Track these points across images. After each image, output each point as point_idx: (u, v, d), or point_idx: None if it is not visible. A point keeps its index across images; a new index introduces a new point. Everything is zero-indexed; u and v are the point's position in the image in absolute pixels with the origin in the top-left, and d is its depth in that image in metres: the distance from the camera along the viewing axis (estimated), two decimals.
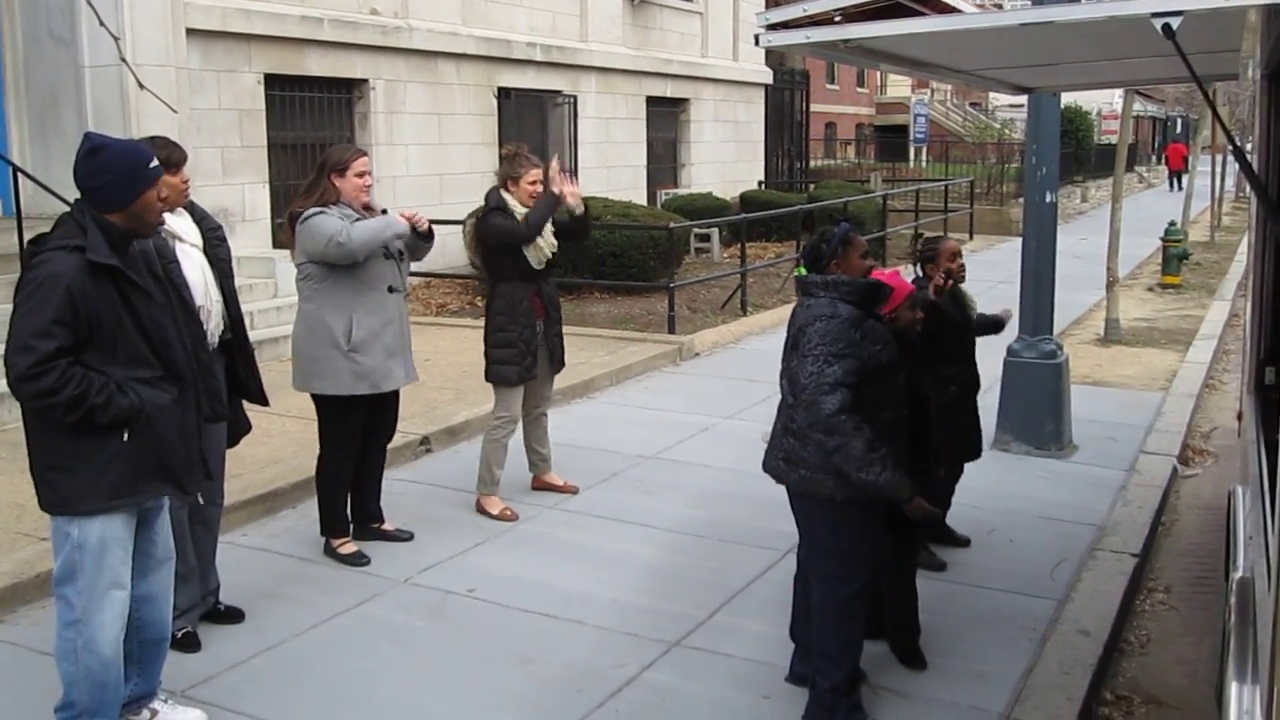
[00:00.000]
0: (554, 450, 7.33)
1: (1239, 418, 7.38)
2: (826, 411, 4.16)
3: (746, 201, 18.95)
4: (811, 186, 22.59)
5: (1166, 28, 2.35)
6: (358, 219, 5.80)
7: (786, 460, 4.44)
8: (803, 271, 4.62)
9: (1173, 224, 16.80)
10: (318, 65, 12.84)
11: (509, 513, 6.76)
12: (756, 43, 2.52)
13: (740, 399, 9.67)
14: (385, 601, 5.61)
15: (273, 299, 11.16)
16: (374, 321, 5.87)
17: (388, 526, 6.39)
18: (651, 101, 19.28)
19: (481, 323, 7.02)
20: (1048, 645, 5.24)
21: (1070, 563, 6.19)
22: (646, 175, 19.17)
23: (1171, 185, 41.88)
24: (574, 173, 17.29)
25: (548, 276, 6.81)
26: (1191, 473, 8.27)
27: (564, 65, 16.85)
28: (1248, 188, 28.10)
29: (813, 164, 28.97)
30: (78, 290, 3.75)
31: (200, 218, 5.02)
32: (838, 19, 2.48)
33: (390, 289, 5.95)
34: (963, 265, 6.10)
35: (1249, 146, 7.41)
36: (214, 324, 4.83)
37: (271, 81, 12.21)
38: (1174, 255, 16.63)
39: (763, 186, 22.44)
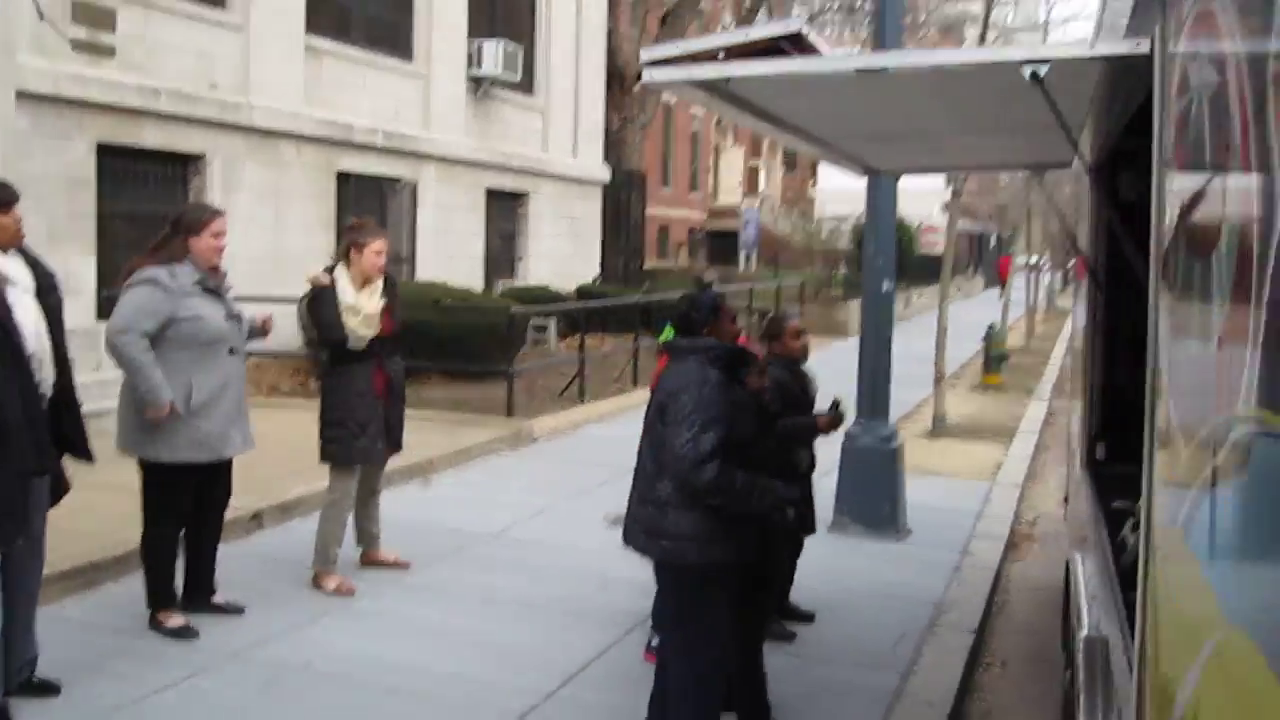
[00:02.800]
0: (392, 529, 7.14)
1: (1065, 500, 7.66)
2: (706, 479, 4.15)
3: (584, 295, 19.05)
4: (646, 283, 22.87)
5: (1034, 75, 2.45)
6: (190, 290, 5.57)
7: (647, 533, 4.40)
8: (670, 334, 4.64)
9: (992, 326, 17.53)
10: (154, 137, 12.50)
11: (345, 587, 6.53)
12: (637, 79, 2.54)
13: (579, 482, 9.60)
14: (214, 675, 5.32)
15: (95, 372, 10.65)
16: (213, 384, 5.64)
17: (219, 599, 6.09)
18: (491, 194, 19.33)
19: (314, 403, 6.82)
20: (893, 716, 5.28)
21: (910, 638, 6.27)
22: (484, 265, 19.14)
23: (1001, 293, 44.26)
24: (413, 259, 17.18)
25: (390, 354, 6.66)
26: (1020, 557, 8.52)
27: (405, 152, 16.79)
28: (1058, 298, 29.65)
29: (647, 264, 29.36)
30: None
31: (32, 262, 4.79)
32: (721, 56, 2.51)
33: (231, 350, 5.75)
34: (806, 345, 6.20)
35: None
36: (45, 373, 4.58)
37: (104, 151, 11.82)
38: (995, 356, 17.33)
39: (597, 283, 22.62)
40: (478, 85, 18.78)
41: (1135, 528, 4.23)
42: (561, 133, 21.66)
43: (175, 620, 5.76)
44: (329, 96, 15.37)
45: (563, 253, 21.76)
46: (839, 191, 62.11)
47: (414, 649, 5.75)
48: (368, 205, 16.22)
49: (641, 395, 14.14)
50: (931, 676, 5.80)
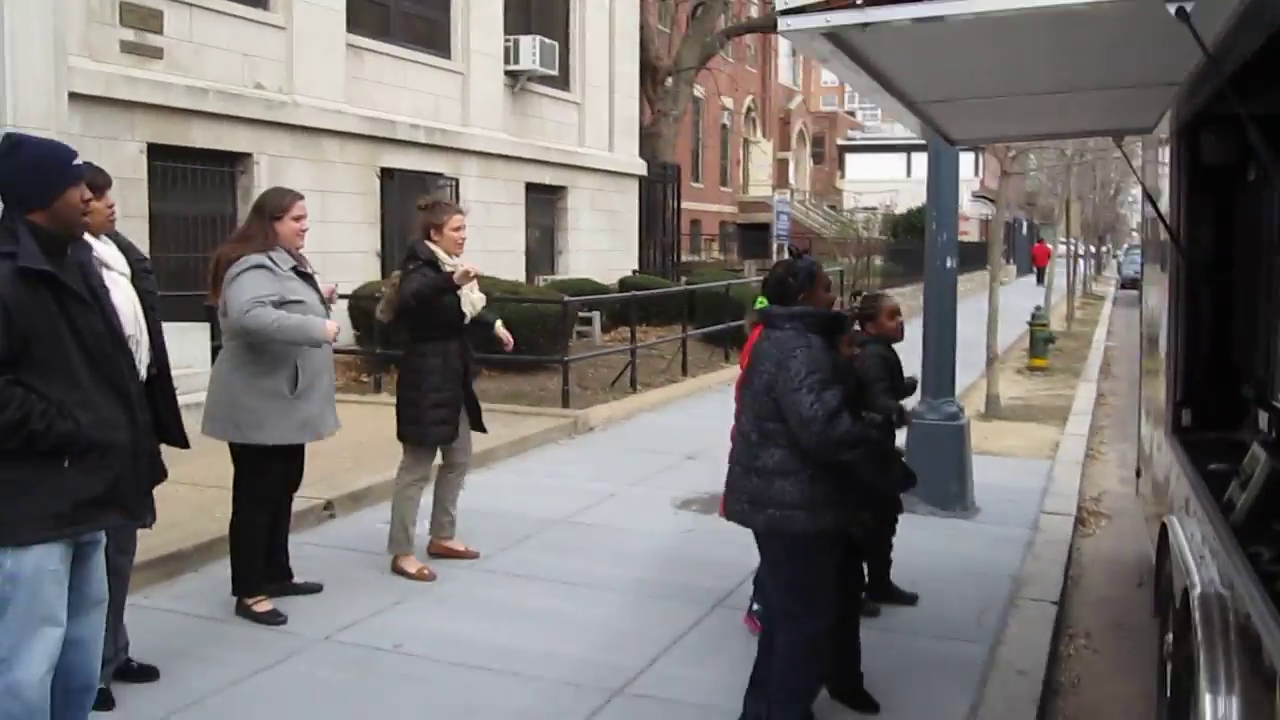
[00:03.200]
0: (461, 516, 7.12)
1: (1137, 473, 7.60)
2: (842, 430, 4.14)
3: (626, 285, 19.04)
4: (683, 278, 22.84)
5: (1181, 10, 2.42)
6: (289, 275, 5.63)
7: (752, 502, 4.38)
8: (763, 303, 4.62)
9: (1039, 308, 17.43)
10: (202, 137, 12.57)
11: (427, 572, 6.55)
12: (774, 29, 2.52)
13: (641, 468, 9.60)
14: (308, 659, 5.34)
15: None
16: (315, 366, 5.71)
17: (297, 580, 6.12)
18: (530, 188, 19.35)
19: (367, 398, 6.82)
20: (989, 686, 5.25)
21: (994, 611, 6.24)
22: (525, 259, 19.16)
23: (1039, 280, 44.65)
24: None
25: (468, 334, 6.71)
26: (1089, 532, 8.46)
27: (446, 148, 16.83)
28: (1093, 283, 29.31)
29: (681, 258, 29.35)
30: (11, 301, 3.51)
31: (126, 247, 4.83)
32: (859, 2, 2.49)
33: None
34: (901, 324, 6.17)
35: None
36: (142, 355, 4.61)
37: (155, 151, 11.89)
38: (1041, 339, 17.23)
39: (636, 275, 22.63)
40: (515, 80, 18.82)
41: (1243, 486, 4.20)
42: (598, 127, 21.66)
43: (265, 605, 5.79)
44: (370, 94, 15.42)
45: (601, 246, 21.76)
46: (867, 183, 62.26)
47: (502, 630, 5.75)
48: (411, 201, 16.21)
49: (692, 384, 14.26)
50: (1019, 647, 5.76)
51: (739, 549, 6.89)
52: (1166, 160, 5.82)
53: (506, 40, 18.43)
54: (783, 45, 50.16)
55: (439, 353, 6.50)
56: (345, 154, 14.82)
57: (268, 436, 5.62)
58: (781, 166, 51.10)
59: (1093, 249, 49.65)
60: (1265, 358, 5.08)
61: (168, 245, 12.11)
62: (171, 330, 10.37)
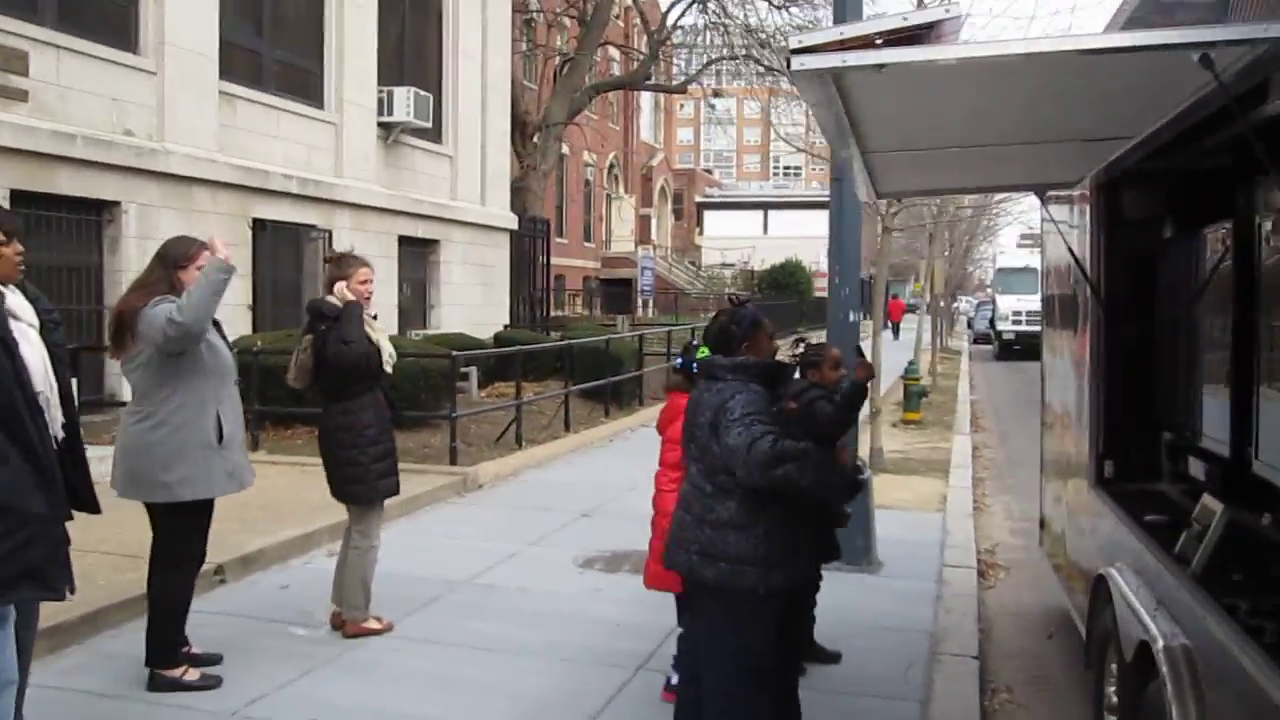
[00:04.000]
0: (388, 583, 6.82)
1: (1041, 524, 7.69)
2: (765, 447, 3.99)
3: (501, 340, 18.81)
4: (555, 333, 22.70)
5: (1205, 58, 2.40)
6: None
7: (702, 554, 4.23)
8: (705, 352, 4.50)
9: (912, 364, 17.75)
10: (69, 184, 12.01)
11: (388, 622, 6.51)
12: (788, 66, 2.42)
13: (537, 527, 9.37)
14: None
15: None
16: (233, 414, 5.47)
17: (195, 650, 5.74)
18: (403, 241, 19.03)
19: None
20: None
21: (918, 667, 6.20)
22: (398, 314, 18.79)
23: (894, 335, 46.08)
24: None
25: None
26: (989, 584, 8.52)
27: (319, 199, 16.44)
28: (949, 338, 30.09)
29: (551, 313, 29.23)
30: None
31: (34, 298, 4.49)
32: (878, 42, 2.41)
33: (236, 381, 5.59)
34: (843, 375, 6.11)
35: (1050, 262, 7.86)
36: (54, 413, 4.26)
37: (18, 198, 11.30)
38: (914, 393, 17.52)
39: (508, 329, 22.41)
40: (388, 132, 18.54)
41: (1198, 538, 4.21)
42: (470, 180, 21.47)
43: (193, 673, 5.45)
44: (243, 143, 15.00)
45: (473, 300, 21.49)
46: (725, 239, 63.22)
47: (423, 702, 5.47)
48: (283, 253, 15.85)
49: (575, 440, 14.06)
50: (949, 704, 5.72)
51: (650, 609, 6.83)
52: (1081, 216, 5.91)
53: (380, 91, 18.16)
54: (645, 101, 50.74)
55: (369, 405, 6.33)
56: (217, 204, 14.35)
57: (198, 490, 5.34)
58: (644, 222, 51.51)
59: (945, 305, 51.33)
60: (1192, 407, 5.16)
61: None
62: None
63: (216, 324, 5.55)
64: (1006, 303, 35.42)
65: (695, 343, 6.23)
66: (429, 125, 19.25)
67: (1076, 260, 5.83)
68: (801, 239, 60.47)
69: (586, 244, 44.58)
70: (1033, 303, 34.54)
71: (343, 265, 6.44)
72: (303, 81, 16.74)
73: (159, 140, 13.32)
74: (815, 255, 51.41)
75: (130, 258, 12.92)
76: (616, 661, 6.14)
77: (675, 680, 5.55)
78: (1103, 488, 5.74)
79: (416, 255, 19.83)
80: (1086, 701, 5.99)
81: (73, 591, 3.61)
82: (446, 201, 20.54)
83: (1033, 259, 36.84)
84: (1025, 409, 17.87)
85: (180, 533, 5.47)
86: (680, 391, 5.74)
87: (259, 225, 15.17)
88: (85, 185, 12.31)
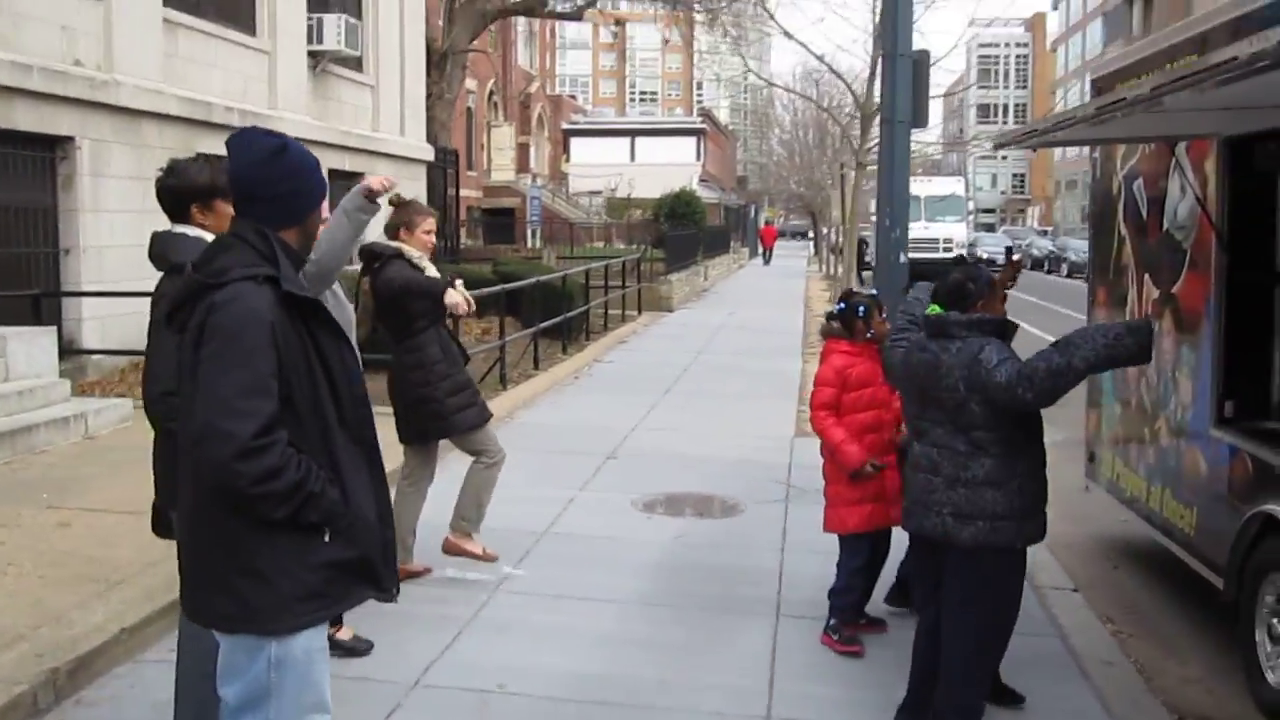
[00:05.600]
0: (420, 530, 6.62)
1: (1091, 459, 7.95)
2: (1041, 368, 4.09)
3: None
4: (482, 265, 22.35)
5: None
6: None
7: (957, 515, 4.28)
8: (936, 310, 4.51)
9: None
10: (25, 119, 11.31)
11: (490, 552, 6.57)
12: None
13: (572, 471, 9.26)
14: (417, 711, 4.86)
15: (3, 383, 9.57)
16: None
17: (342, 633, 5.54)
18: (332, 175, 18.43)
19: None
20: (1092, 679, 5.37)
21: (1030, 599, 6.35)
22: None
23: (766, 261, 47.49)
24: None
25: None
26: None
27: None
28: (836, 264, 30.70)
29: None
30: (280, 334, 2.97)
31: None
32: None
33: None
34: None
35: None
36: None
37: None
38: None
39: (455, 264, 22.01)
40: (316, 61, 17.90)
41: None
42: (391, 111, 20.90)
43: (345, 631, 5.36)
44: (185, 74, 14.32)
45: None
46: (592, 166, 62.77)
47: (588, 660, 5.43)
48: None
49: (546, 379, 13.94)
50: (1084, 639, 5.96)
51: (742, 552, 6.98)
52: (1209, 167, 6.07)
53: (310, 18, 17.49)
54: (521, 26, 49.87)
55: (434, 340, 6.25)
56: (164, 138, 13.68)
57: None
58: (523, 151, 50.85)
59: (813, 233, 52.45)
60: None
61: None
62: (14, 336, 9.38)
63: None
64: (918, 231, 36.24)
65: (854, 289, 6.24)
66: (357, 54, 18.63)
67: (1204, 207, 6.00)
68: (670, 166, 60.54)
69: (469, 173, 43.84)
70: (956, 230, 35.35)
71: (407, 212, 6.26)
72: (236, 7, 16.00)
73: (108, 71, 12.60)
74: (686, 183, 51.73)
75: (84, 196, 12.28)
76: (753, 609, 6.18)
77: (833, 623, 5.65)
78: (1228, 427, 5.98)
79: (343, 189, 19.13)
80: (1189, 629, 6.33)
81: (399, 591, 3.39)
82: (369, 133, 19.98)
83: (958, 186, 37.67)
84: None
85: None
86: (835, 338, 5.77)
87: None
88: (40, 120, 11.60)
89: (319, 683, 3.16)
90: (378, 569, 3.18)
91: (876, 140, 15.43)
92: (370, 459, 3.19)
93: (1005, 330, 4.43)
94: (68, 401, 9.94)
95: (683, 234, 29.34)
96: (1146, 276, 7.00)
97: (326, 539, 3.03)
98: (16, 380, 9.65)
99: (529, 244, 37.99)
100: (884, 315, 5.80)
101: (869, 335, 5.68)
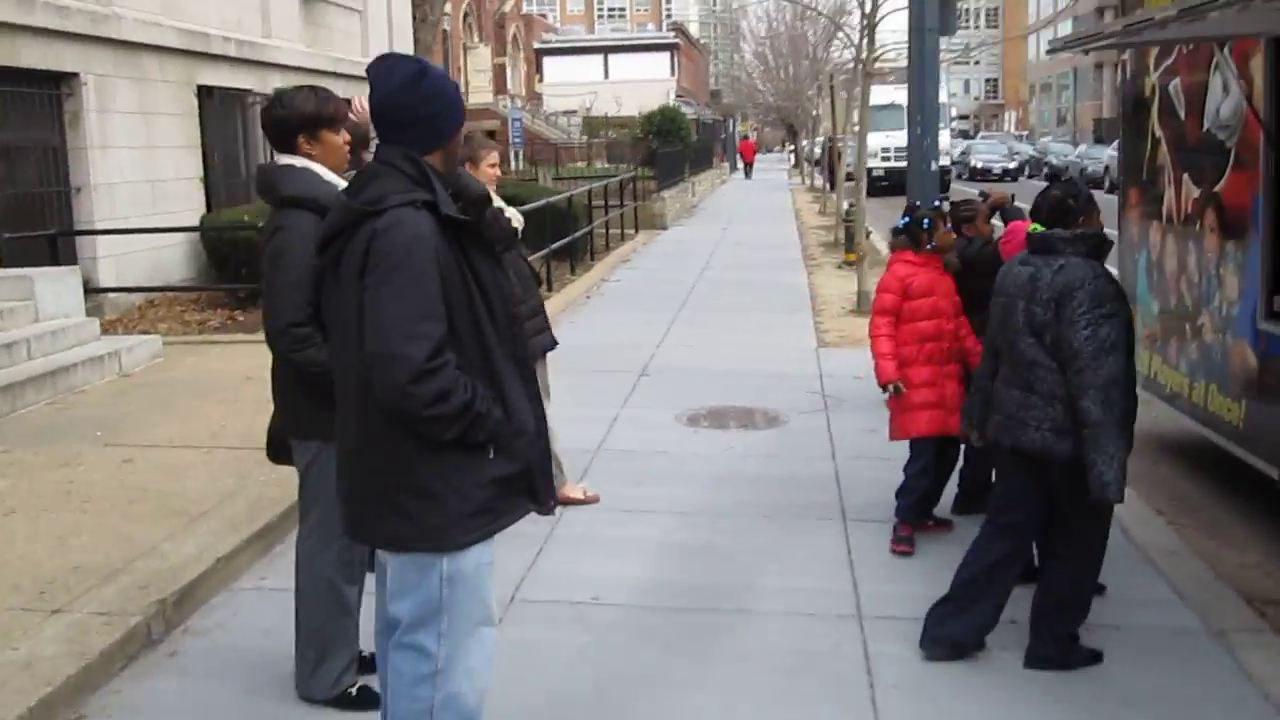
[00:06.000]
0: None
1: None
2: (1105, 376, 4.20)
3: None
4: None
5: None
6: None
7: (1055, 430, 4.36)
8: (1037, 228, 4.58)
9: (852, 205, 18.06)
10: (30, 56, 11.19)
11: (593, 494, 6.63)
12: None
13: (610, 389, 9.36)
14: (521, 624, 4.98)
15: (34, 324, 9.58)
16: None
17: None
18: None
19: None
20: (1158, 567, 5.57)
21: None
22: None
23: (747, 175, 47.54)
24: None
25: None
26: None
27: (253, 62, 15.63)
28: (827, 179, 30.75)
29: None
30: (442, 259, 3.02)
31: None
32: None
33: None
34: (993, 227, 6.32)
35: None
36: None
37: None
38: (853, 234, 17.84)
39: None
40: None
41: None
42: (379, 36, 20.65)
43: None
44: (183, 6, 14.11)
45: None
46: (566, 85, 62.16)
47: (676, 570, 5.59)
48: (229, 122, 15.13)
49: (559, 300, 13.98)
50: (1144, 532, 6.12)
51: (791, 462, 7.15)
52: (1256, 67, 6.13)
53: None
54: None
55: (510, 264, 6.22)
56: (165, 72, 13.56)
57: None
58: (499, 71, 50.29)
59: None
60: None
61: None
62: (40, 276, 9.37)
63: None
64: (875, 140, 35.95)
65: (918, 203, 6.33)
66: None
67: (1251, 105, 6.08)
68: (644, 82, 60.03)
69: None
70: (900, 139, 35.09)
71: (472, 146, 6.25)
72: None
73: (107, 5, 12.43)
74: (662, 99, 51.36)
75: (92, 133, 12.18)
76: (819, 514, 6.36)
77: (904, 532, 5.81)
78: (1276, 320, 6.12)
79: None
80: (1238, 518, 6.55)
81: (556, 504, 3.45)
82: (360, 59, 19.71)
83: (899, 95, 37.26)
84: None
85: None
86: (901, 249, 5.88)
87: (205, 92, 14.42)
88: (45, 56, 11.47)
89: (487, 597, 3.26)
90: (536, 481, 3.26)
91: (882, 47, 15.36)
92: (525, 375, 3.25)
93: (1103, 246, 4.53)
94: (99, 340, 9.96)
95: (671, 151, 29.23)
96: (1185, 176, 7.10)
97: (491, 455, 3.11)
98: (47, 321, 9.67)
99: (513, 166, 37.68)
100: (948, 226, 5.89)
101: (931, 246, 5.79)
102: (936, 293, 5.75)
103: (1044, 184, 7.71)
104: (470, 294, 3.10)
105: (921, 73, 8.37)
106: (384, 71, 3.18)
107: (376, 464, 3.11)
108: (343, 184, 4.12)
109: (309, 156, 4.13)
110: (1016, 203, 6.37)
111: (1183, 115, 7.10)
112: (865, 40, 14.32)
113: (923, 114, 8.48)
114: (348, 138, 4.26)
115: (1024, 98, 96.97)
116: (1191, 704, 4.28)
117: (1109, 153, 34.73)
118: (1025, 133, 79.21)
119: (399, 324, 2.95)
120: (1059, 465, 4.41)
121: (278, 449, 4.31)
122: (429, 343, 2.95)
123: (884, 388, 5.80)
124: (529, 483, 3.24)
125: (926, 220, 5.76)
